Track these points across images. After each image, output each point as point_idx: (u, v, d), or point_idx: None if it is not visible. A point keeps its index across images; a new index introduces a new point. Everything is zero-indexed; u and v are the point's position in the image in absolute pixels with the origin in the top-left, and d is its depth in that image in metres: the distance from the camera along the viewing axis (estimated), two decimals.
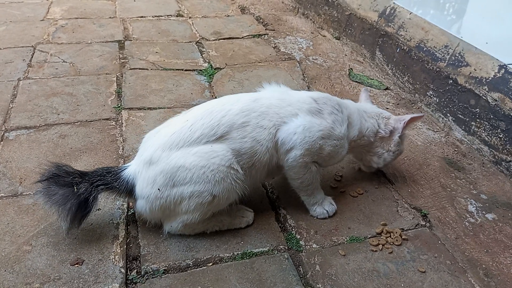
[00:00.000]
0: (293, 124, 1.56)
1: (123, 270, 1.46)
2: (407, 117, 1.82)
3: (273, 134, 1.55)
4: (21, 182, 1.80)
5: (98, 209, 1.66)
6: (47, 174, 1.51)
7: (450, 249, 1.62)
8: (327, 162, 1.70)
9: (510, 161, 1.98)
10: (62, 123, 2.20)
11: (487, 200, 1.85)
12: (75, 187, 1.48)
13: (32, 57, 2.82)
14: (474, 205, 1.83)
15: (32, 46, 2.97)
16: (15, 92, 2.43)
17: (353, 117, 1.73)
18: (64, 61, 2.80)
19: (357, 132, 1.74)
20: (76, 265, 1.47)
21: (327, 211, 1.72)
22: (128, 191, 1.54)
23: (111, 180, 1.54)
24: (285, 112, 1.58)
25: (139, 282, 1.43)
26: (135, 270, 1.47)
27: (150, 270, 1.46)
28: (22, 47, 2.95)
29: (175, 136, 1.50)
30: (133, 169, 1.56)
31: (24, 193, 1.75)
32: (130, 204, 1.70)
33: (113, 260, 1.49)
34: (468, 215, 1.78)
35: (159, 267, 1.48)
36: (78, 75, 2.65)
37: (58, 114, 2.26)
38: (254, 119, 1.54)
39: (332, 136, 1.61)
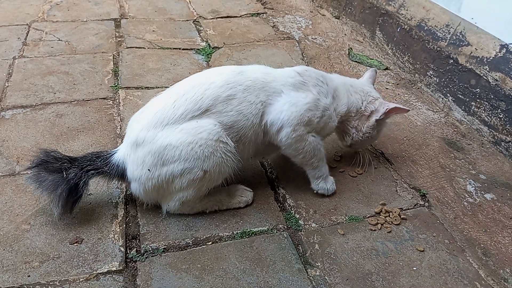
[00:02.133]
0: (279, 103, 1.55)
1: (122, 249, 1.46)
2: (392, 104, 1.74)
3: (260, 110, 1.53)
4: (18, 161, 1.79)
5: (89, 194, 1.64)
6: (36, 160, 1.50)
7: (448, 228, 1.62)
8: (318, 133, 1.66)
9: (509, 141, 1.98)
10: (59, 102, 2.17)
11: (486, 180, 1.86)
12: (65, 173, 1.47)
13: (27, 35, 2.78)
14: (473, 185, 1.83)
15: (27, 24, 2.92)
16: (10, 71, 2.39)
17: (339, 90, 1.70)
18: (59, 40, 2.76)
19: (345, 108, 1.71)
20: (76, 244, 1.46)
21: (328, 188, 1.71)
22: (120, 174, 1.54)
23: (101, 164, 1.53)
24: (270, 88, 1.56)
25: (139, 260, 1.43)
26: (135, 249, 1.47)
27: (150, 249, 1.47)
28: (17, 25, 2.90)
29: (159, 115, 1.48)
30: (122, 152, 1.54)
31: (21, 172, 1.73)
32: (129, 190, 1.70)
33: (113, 239, 1.49)
34: (467, 195, 1.78)
35: (159, 246, 1.48)
36: (74, 54, 2.61)
37: (55, 93, 2.24)
38: (240, 92, 1.52)
39: (319, 106, 1.59)
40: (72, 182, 1.46)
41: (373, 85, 1.90)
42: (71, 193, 1.47)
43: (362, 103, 1.74)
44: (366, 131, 1.75)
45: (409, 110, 1.75)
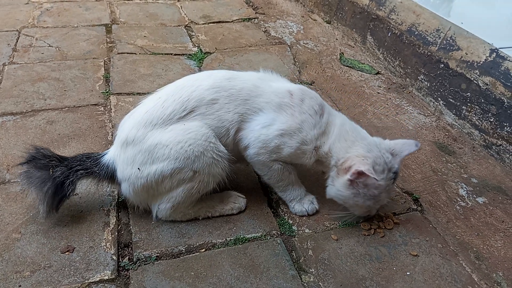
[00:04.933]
0: (254, 123, 1.51)
1: (114, 257, 1.44)
2: (363, 167, 1.42)
3: (235, 121, 1.50)
4: (8, 169, 1.77)
5: (76, 194, 1.63)
6: (27, 157, 1.51)
7: (441, 232, 1.63)
8: (289, 162, 1.58)
9: (500, 145, 1.99)
10: (49, 109, 2.15)
11: (477, 184, 1.87)
12: (51, 170, 1.47)
13: (17, 41, 2.75)
14: (465, 189, 1.84)
15: (17, 30, 2.90)
16: (0, 78, 2.37)
17: (331, 128, 1.54)
18: (50, 46, 2.74)
19: (327, 149, 1.53)
20: (67, 253, 1.45)
21: (306, 209, 1.65)
22: (109, 176, 1.53)
23: (91, 165, 1.53)
24: (253, 103, 1.51)
25: (131, 269, 1.42)
26: (127, 257, 1.46)
27: (142, 257, 1.45)
28: (7, 31, 2.87)
29: (148, 114, 1.49)
30: (112, 153, 1.54)
31: (11, 181, 1.71)
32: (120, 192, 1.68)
33: (105, 247, 1.48)
34: (459, 199, 1.79)
35: (151, 253, 1.47)
36: (64, 60, 2.60)
37: (45, 100, 2.22)
38: (223, 98, 1.51)
39: (294, 136, 1.49)
40: (58, 180, 1.46)
41: (401, 155, 1.56)
42: (56, 191, 1.46)
43: (344, 155, 1.51)
44: (339, 189, 1.51)
45: (378, 180, 1.44)
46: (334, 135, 1.53)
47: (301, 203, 1.66)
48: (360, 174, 1.43)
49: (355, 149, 1.51)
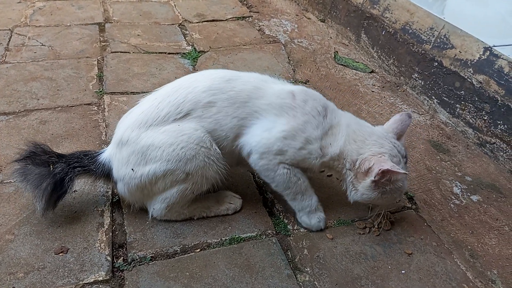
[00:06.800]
0: (254, 128, 1.48)
1: (109, 258, 1.44)
2: (387, 165, 1.40)
3: (235, 125, 1.47)
4: (1, 170, 1.75)
5: (74, 191, 1.63)
6: (25, 153, 1.50)
7: (436, 231, 1.63)
8: (296, 165, 1.52)
9: (494, 143, 2.00)
10: (42, 109, 2.14)
11: (471, 182, 1.87)
12: (51, 166, 1.47)
13: (9, 40, 2.73)
14: (459, 187, 1.84)
15: (9, 29, 2.87)
16: None
17: (338, 129, 1.51)
18: (42, 45, 2.72)
19: (338, 151, 1.49)
20: (61, 254, 1.44)
21: (310, 224, 1.59)
22: (106, 174, 1.53)
23: (88, 163, 1.53)
24: (253, 106, 1.48)
25: (126, 269, 1.41)
26: (122, 258, 1.45)
27: (137, 258, 1.45)
28: None
29: (143, 115, 1.48)
30: (108, 152, 1.55)
31: (4, 181, 1.70)
32: (115, 191, 1.67)
33: (99, 248, 1.47)
34: (453, 197, 1.79)
35: (146, 254, 1.46)
36: (57, 59, 2.58)
37: (38, 99, 2.20)
38: (221, 101, 1.47)
39: (297, 136, 1.45)
40: (58, 176, 1.46)
41: (403, 133, 1.59)
42: (56, 187, 1.46)
43: (358, 156, 1.48)
44: (364, 193, 1.49)
45: (407, 173, 1.45)
46: (344, 137, 1.50)
47: (309, 217, 1.59)
48: (385, 172, 1.40)
49: (367, 148, 1.48)
